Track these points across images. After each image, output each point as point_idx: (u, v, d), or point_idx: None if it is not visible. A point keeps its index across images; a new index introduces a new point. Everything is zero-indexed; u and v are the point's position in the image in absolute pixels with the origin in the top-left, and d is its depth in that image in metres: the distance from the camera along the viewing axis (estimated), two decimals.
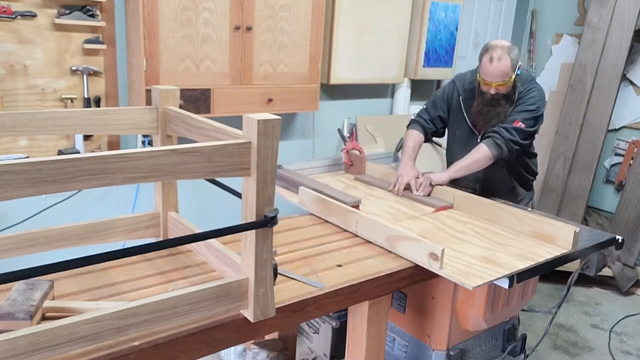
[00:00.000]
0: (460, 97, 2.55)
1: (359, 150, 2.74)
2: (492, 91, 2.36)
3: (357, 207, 2.08)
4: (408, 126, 2.67)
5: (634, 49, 4.06)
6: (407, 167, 2.48)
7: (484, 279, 1.61)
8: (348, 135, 2.83)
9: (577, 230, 1.90)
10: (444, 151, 3.88)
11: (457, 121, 2.59)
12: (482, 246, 1.90)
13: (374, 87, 3.82)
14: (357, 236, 1.89)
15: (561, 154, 4.17)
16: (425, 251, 1.65)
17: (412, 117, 2.69)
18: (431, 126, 2.63)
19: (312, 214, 2.11)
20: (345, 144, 2.78)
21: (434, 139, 3.71)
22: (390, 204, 2.31)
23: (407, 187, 2.42)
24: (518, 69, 2.36)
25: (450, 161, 2.68)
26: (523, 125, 2.34)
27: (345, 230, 1.94)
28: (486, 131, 2.40)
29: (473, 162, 2.37)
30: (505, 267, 1.72)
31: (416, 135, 2.60)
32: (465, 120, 2.55)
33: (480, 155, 2.35)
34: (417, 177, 2.43)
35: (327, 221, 2.03)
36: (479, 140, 2.49)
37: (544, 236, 1.97)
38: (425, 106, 2.69)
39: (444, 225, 2.09)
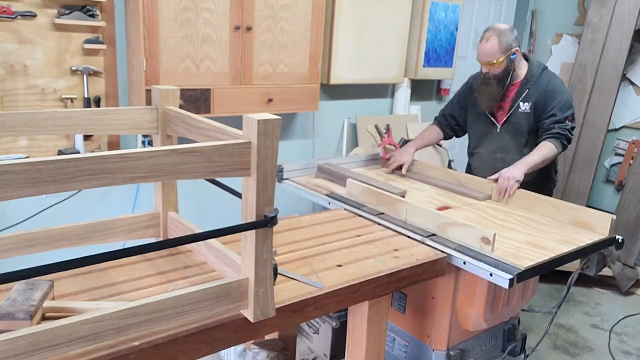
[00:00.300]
0: (475, 93, 2.68)
1: (395, 146, 2.90)
2: (484, 70, 2.52)
3: (403, 197, 2.23)
4: (434, 120, 2.92)
5: (634, 49, 4.06)
6: (404, 152, 2.74)
7: (534, 261, 1.72)
8: (384, 131, 2.99)
9: (613, 218, 2.02)
10: (444, 151, 3.89)
11: (476, 115, 2.71)
12: (526, 232, 2.02)
13: (374, 87, 3.82)
14: (359, 236, 1.89)
15: (561, 154, 4.17)
16: (477, 236, 1.77)
17: (438, 114, 2.94)
18: (447, 122, 2.83)
19: (345, 209, 2.20)
20: (382, 140, 2.95)
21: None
22: (431, 195, 2.46)
23: (398, 168, 2.69)
24: (513, 54, 2.48)
25: (472, 153, 2.82)
26: (572, 121, 2.49)
27: (348, 230, 1.95)
28: (548, 130, 2.48)
29: (545, 160, 2.46)
30: (551, 250, 1.84)
31: (430, 128, 2.86)
32: (483, 112, 2.66)
33: (551, 153, 2.46)
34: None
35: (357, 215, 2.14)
36: (498, 129, 2.63)
37: (581, 223, 2.09)
38: (448, 104, 2.91)
39: (486, 214, 2.21)
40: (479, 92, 2.60)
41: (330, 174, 2.57)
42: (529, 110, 2.54)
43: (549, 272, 2.85)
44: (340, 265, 1.63)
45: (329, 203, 2.30)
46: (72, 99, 2.61)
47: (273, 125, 1.11)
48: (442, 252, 1.79)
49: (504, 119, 2.61)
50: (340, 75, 3.40)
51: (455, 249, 1.79)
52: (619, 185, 4.29)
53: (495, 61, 2.44)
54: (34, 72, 2.51)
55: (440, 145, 3.87)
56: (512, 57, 2.47)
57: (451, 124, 2.82)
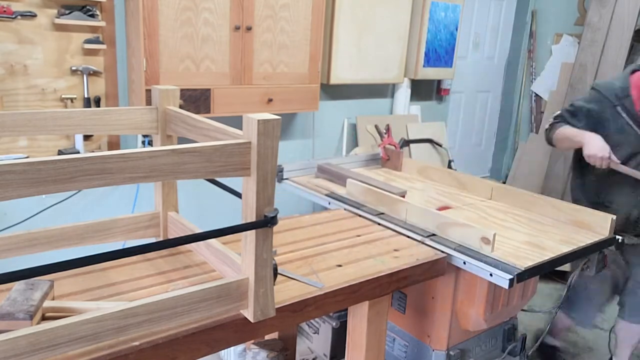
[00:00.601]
0: (618, 107, 2.33)
1: (395, 146, 2.87)
2: None
3: (403, 197, 2.22)
4: (553, 126, 2.44)
5: (634, 49, 4.06)
6: (596, 139, 2.22)
7: (534, 261, 1.72)
8: (384, 131, 2.96)
9: (613, 218, 2.02)
10: (444, 151, 3.89)
11: (620, 132, 2.33)
12: (526, 232, 2.02)
13: (374, 87, 3.82)
14: (359, 236, 1.89)
15: (561, 154, 4.17)
16: (477, 236, 1.77)
17: (554, 121, 2.46)
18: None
19: (345, 209, 2.20)
20: (382, 140, 2.92)
21: (434, 139, 3.71)
22: (431, 195, 2.45)
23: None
24: None
25: (602, 176, 2.37)
26: None
27: (348, 230, 1.95)
28: None
29: None
30: (551, 250, 1.83)
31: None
32: (631, 128, 2.31)
33: None
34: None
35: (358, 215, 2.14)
36: None
37: (581, 223, 2.10)
38: (562, 114, 2.45)
39: (485, 214, 2.20)
40: None
41: (330, 174, 2.57)
42: None
43: (549, 272, 2.86)
44: (340, 265, 1.63)
45: (329, 203, 2.30)
46: (72, 99, 2.61)
47: (273, 125, 1.11)
48: (442, 252, 1.79)
49: None
50: (340, 75, 3.40)
51: (455, 249, 1.79)
52: None
53: None
54: (34, 72, 2.51)
55: (440, 145, 3.87)
56: None
57: None
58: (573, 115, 2.40)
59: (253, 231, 1.16)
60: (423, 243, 1.86)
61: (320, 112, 3.46)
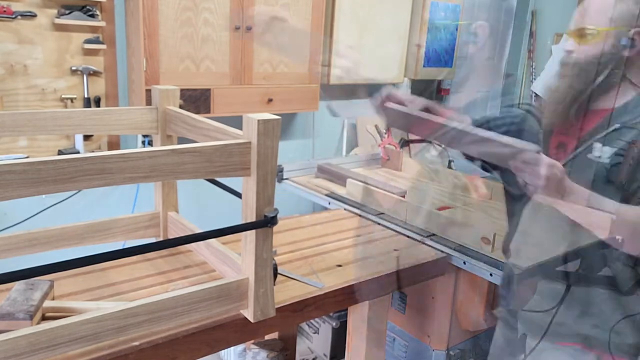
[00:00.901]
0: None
1: (395, 146, 2.87)
2: (568, 46, 1.46)
3: (403, 197, 2.22)
4: None
5: None
6: None
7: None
8: (384, 131, 2.96)
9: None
10: (445, 151, 3.89)
11: None
12: None
13: (374, 87, 3.81)
14: (359, 236, 1.89)
15: None
16: (477, 236, 1.78)
17: None
18: None
19: (345, 209, 2.20)
20: (382, 140, 2.91)
21: (434, 139, 3.69)
22: (431, 195, 2.45)
23: None
24: (631, 38, 1.28)
25: None
26: None
27: (346, 230, 1.95)
28: None
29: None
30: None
31: None
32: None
33: None
34: None
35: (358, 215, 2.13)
36: None
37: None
38: None
39: (486, 214, 2.20)
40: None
41: (330, 174, 2.57)
42: (607, 162, 1.42)
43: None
44: (340, 265, 1.63)
45: (329, 203, 2.30)
46: (72, 99, 2.61)
47: (273, 125, 1.11)
48: (442, 252, 1.79)
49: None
50: (341, 75, 3.40)
51: (455, 249, 1.79)
52: None
53: (593, 30, 1.29)
54: (34, 72, 2.51)
55: (440, 145, 3.87)
56: (622, 41, 1.27)
57: None
58: None
59: (253, 231, 1.16)
60: (423, 243, 1.86)
61: (320, 112, 3.46)
